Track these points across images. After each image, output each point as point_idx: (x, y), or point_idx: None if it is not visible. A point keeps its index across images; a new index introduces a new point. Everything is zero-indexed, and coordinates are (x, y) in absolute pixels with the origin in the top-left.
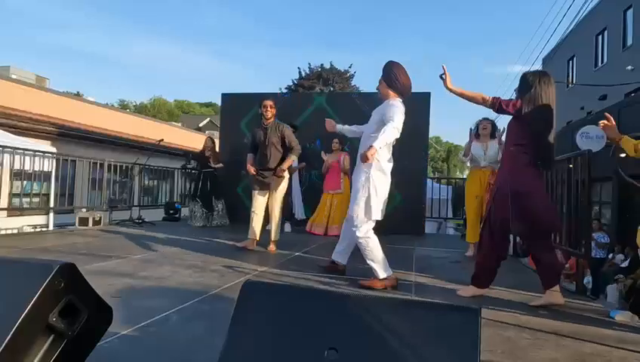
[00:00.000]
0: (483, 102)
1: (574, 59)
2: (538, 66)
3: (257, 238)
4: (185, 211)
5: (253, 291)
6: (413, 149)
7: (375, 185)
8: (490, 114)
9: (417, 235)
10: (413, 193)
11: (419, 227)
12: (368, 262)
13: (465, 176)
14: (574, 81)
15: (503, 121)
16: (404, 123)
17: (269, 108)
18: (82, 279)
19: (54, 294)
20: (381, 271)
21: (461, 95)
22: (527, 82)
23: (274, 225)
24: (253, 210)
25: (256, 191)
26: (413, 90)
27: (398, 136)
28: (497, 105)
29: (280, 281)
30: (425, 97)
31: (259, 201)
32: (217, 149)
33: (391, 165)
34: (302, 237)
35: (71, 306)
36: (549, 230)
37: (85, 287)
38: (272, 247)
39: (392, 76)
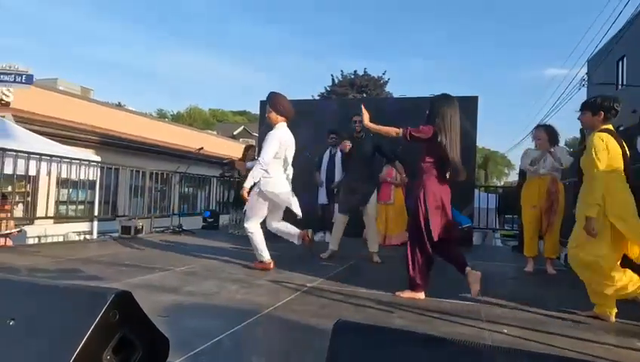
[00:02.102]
0: (396, 135)
1: (624, 59)
2: (584, 69)
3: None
4: (222, 218)
5: (345, 331)
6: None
7: (265, 193)
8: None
9: (465, 247)
10: (460, 200)
11: (467, 238)
12: (254, 249)
13: (502, 184)
14: (624, 83)
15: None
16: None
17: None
18: (138, 308)
19: (108, 328)
20: (261, 256)
21: (378, 131)
22: (435, 107)
23: (374, 237)
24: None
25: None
26: (459, 95)
27: (265, 172)
28: (408, 135)
29: (334, 299)
30: (472, 101)
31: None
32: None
33: (283, 175)
34: (345, 248)
35: (125, 341)
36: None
37: (141, 318)
38: (376, 259)
39: (277, 104)
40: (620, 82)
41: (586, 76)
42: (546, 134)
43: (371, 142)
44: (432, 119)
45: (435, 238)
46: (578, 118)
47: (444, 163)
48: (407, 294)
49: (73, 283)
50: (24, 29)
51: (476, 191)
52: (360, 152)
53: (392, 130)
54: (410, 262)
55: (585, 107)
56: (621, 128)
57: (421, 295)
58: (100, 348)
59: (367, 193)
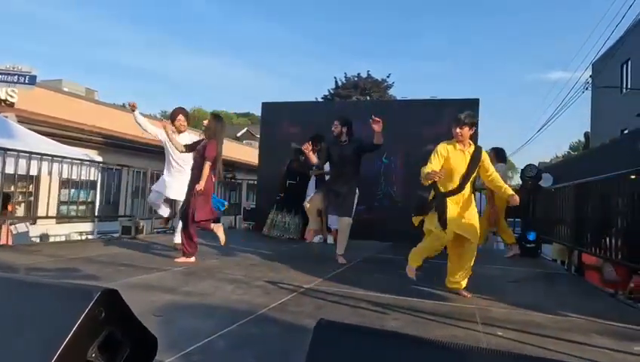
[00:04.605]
0: (211, 168)
1: (629, 62)
2: (588, 72)
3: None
4: (223, 220)
5: (328, 331)
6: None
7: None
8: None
9: None
10: None
11: None
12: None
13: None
14: (629, 86)
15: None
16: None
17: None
18: (125, 306)
19: (94, 325)
20: (177, 238)
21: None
22: (212, 128)
23: (344, 241)
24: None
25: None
26: (460, 97)
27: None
28: (213, 160)
29: (330, 300)
30: (474, 103)
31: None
32: (258, 159)
33: None
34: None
35: (112, 339)
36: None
37: (128, 316)
38: (342, 259)
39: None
40: (625, 86)
41: (590, 79)
42: (493, 153)
43: (353, 145)
44: (212, 134)
45: (199, 218)
46: (458, 132)
47: (215, 165)
48: (181, 259)
49: (60, 281)
50: (31, 31)
51: (477, 194)
52: (341, 156)
53: (207, 168)
54: (185, 237)
55: (464, 123)
56: (625, 132)
57: (193, 259)
58: (85, 345)
59: (342, 195)
